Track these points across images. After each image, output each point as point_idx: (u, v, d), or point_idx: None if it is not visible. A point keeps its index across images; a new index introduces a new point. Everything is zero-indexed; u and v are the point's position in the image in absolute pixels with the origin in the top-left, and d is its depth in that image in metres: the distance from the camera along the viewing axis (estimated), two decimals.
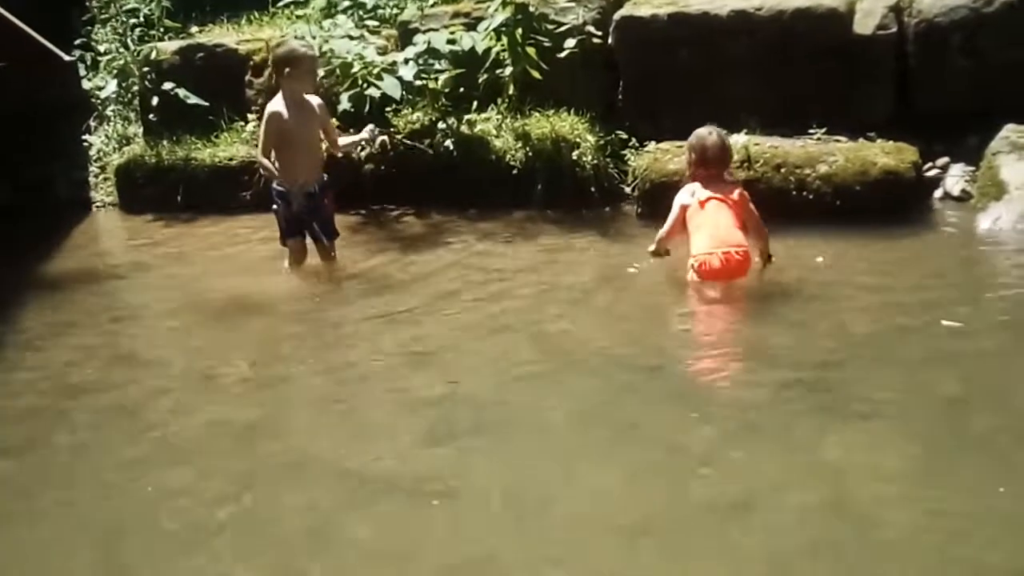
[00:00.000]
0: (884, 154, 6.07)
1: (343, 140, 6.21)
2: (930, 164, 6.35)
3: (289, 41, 6.18)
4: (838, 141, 6.27)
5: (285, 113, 5.69)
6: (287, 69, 5.73)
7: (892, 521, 3.05)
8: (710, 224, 5.17)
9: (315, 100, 5.90)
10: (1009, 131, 6.00)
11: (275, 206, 5.85)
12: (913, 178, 6.06)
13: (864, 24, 6.44)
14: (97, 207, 8.25)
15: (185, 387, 4.52)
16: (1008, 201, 5.74)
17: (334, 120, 6.45)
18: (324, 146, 6.10)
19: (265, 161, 5.78)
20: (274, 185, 5.82)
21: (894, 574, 2.86)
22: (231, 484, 3.59)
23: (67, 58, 8.65)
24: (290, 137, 5.72)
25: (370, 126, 6.28)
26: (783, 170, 6.08)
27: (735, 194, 5.24)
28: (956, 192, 6.19)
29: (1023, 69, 6.18)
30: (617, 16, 6.96)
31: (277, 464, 3.72)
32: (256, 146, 6.31)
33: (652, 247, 5.44)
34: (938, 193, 6.28)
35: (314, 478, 3.59)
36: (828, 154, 6.11)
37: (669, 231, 5.36)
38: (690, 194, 5.28)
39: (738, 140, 6.20)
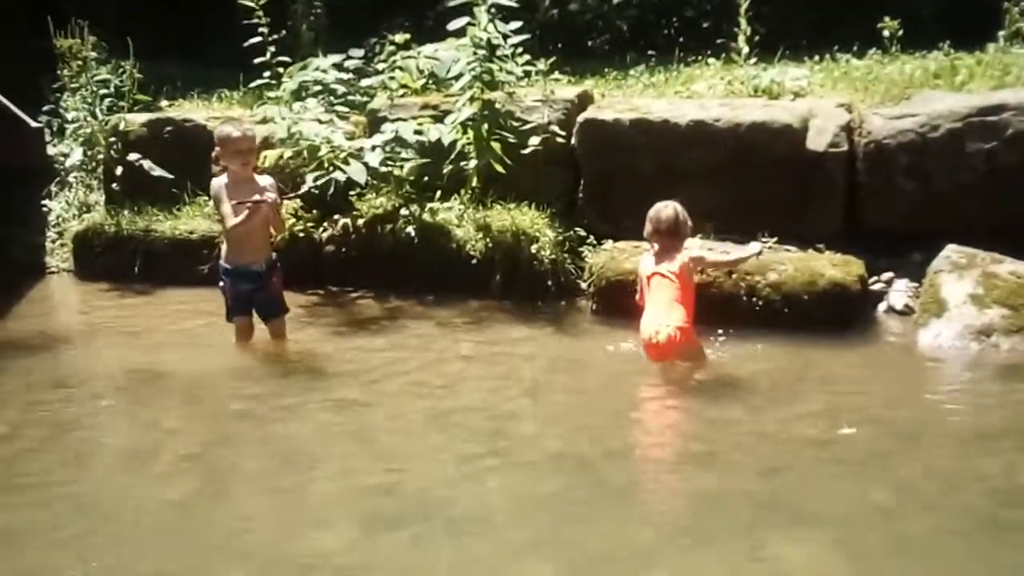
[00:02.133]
0: (832, 266, 6.25)
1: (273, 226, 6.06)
2: (875, 278, 6.54)
3: (226, 122, 6.16)
4: (788, 251, 6.46)
5: (230, 192, 5.72)
6: (217, 148, 5.83)
7: None
8: (651, 302, 5.52)
9: (265, 180, 5.93)
10: (950, 251, 6.21)
11: (221, 283, 5.90)
12: (859, 291, 6.24)
13: (817, 141, 6.67)
14: (51, 272, 8.22)
15: (119, 463, 4.48)
16: (948, 319, 5.93)
17: (293, 203, 6.52)
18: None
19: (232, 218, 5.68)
20: (221, 263, 5.89)
21: None
22: (161, 560, 3.54)
23: (35, 124, 8.70)
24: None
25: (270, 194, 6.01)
26: (734, 276, 6.24)
27: (677, 267, 5.51)
28: (899, 306, 6.37)
29: (965, 192, 6.42)
30: (581, 118, 7.16)
31: (211, 548, 3.66)
32: (217, 221, 6.36)
33: None
34: (882, 306, 6.45)
35: (251, 564, 3.55)
36: (778, 263, 6.28)
37: (640, 297, 5.67)
38: (644, 264, 5.65)
39: (693, 245, 6.37)
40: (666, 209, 5.64)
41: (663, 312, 5.45)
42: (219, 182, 5.83)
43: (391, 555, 3.57)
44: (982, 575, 3.40)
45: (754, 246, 5.86)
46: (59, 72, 8.85)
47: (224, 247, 5.96)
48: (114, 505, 4.02)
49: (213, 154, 5.92)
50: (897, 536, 3.67)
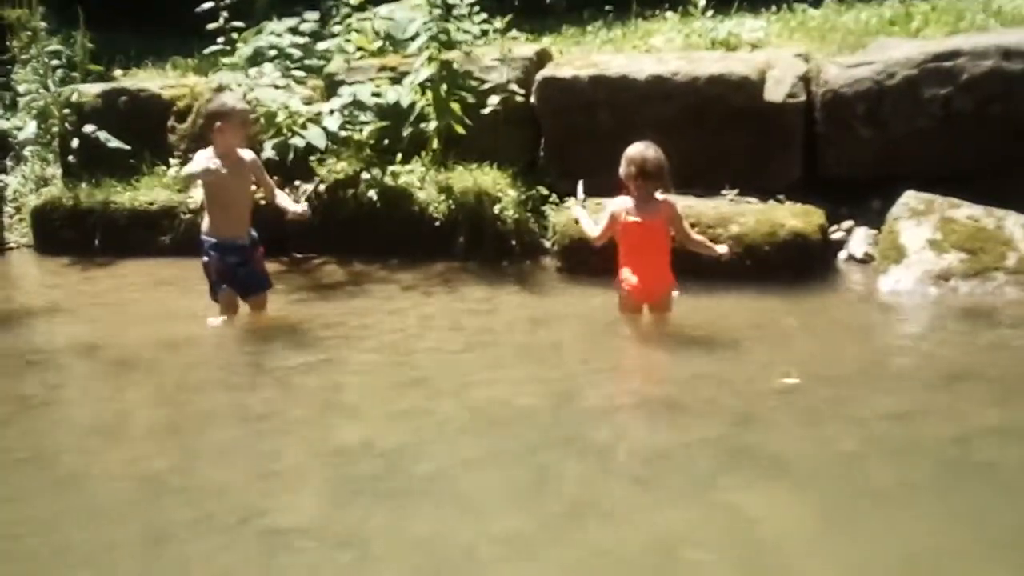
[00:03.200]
0: (792, 216, 6.31)
1: (281, 197, 6.07)
2: (836, 227, 6.61)
3: (221, 94, 6.11)
4: (749, 202, 6.51)
5: (218, 168, 5.52)
6: (218, 123, 5.65)
7: (801, 571, 3.14)
8: (641, 251, 5.43)
9: (248, 154, 5.85)
10: (909, 197, 6.28)
11: (205, 259, 5.77)
12: (819, 240, 6.31)
13: (775, 91, 6.70)
14: (10, 248, 8.14)
15: (91, 433, 4.47)
16: (907, 265, 6.01)
17: None
18: (259, 196, 6.06)
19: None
20: (204, 237, 5.76)
21: None
22: (136, 533, 3.54)
23: None
24: (222, 192, 5.65)
25: (305, 205, 6.20)
26: (696, 228, 6.25)
27: (662, 213, 5.44)
28: (859, 255, 6.45)
29: (922, 138, 6.49)
30: (539, 76, 7.15)
31: (184, 512, 3.65)
32: (178, 191, 6.31)
33: (582, 216, 5.62)
34: (843, 255, 6.53)
35: (223, 528, 3.56)
36: (739, 215, 6.33)
37: (599, 237, 5.54)
38: (624, 211, 5.44)
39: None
40: (650, 150, 5.43)
41: (657, 263, 5.44)
42: (205, 160, 5.56)
43: (364, 517, 3.59)
44: (945, 518, 3.45)
45: (722, 248, 5.65)
46: (8, 44, 8.71)
47: (206, 221, 5.80)
48: (83, 477, 4.00)
49: (209, 128, 5.70)
50: (861, 482, 3.72)
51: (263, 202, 6.11)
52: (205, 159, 5.58)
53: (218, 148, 5.65)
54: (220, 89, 7.28)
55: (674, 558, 3.25)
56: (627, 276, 5.45)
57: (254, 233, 5.86)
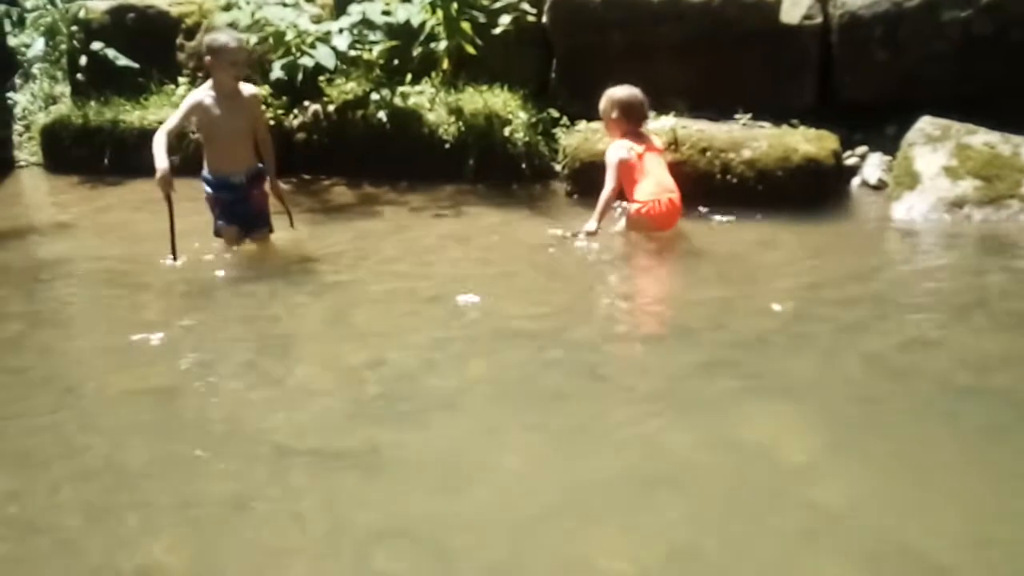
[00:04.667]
0: (806, 141, 6.24)
1: (268, 160, 5.76)
2: (849, 152, 6.54)
3: (218, 29, 5.96)
4: (762, 127, 6.44)
5: (210, 103, 5.47)
6: (208, 58, 5.54)
7: (810, 497, 3.15)
8: (652, 172, 5.63)
9: (249, 90, 5.70)
10: (925, 123, 6.20)
11: (207, 193, 5.68)
12: (833, 166, 6.24)
13: (791, 13, 6.58)
14: (20, 166, 8.13)
15: (103, 352, 4.50)
16: (921, 191, 5.96)
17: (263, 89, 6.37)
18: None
19: (160, 139, 5.38)
20: (203, 174, 5.66)
21: (810, 554, 2.94)
22: (148, 452, 3.58)
23: None
24: (212, 127, 5.54)
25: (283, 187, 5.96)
26: (708, 153, 6.23)
27: (660, 144, 5.76)
28: (873, 181, 6.39)
29: (941, 62, 6.38)
30: None
31: (197, 432, 3.70)
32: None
33: (592, 225, 5.61)
34: (856, 181, 6.47)
35: (236, 447, 3.60)
36: (752, 139, 6.27)
37: (615, 189, 5.65)
38: (627, 149, 5.62)
39: (666, 123, 6.35)
40: (637, 91, 5.73)
41: (667, 180, 5.66)
42: (197, 95, 5.54)
43: (372, 434, 3.62)
44: (948, 440, 3.48)
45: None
46: None
47: (205, 156, 5.69)
48: (94, 395, 4.05)
49: (206, 60, 5.58)
50: (867, 406, 3.74)
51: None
52: (196, 94, 5.56)
53: (215, 83, 5.53)
54: (228, 7, 7.19)
55: (686, 481, 3.28)
56: (654, 192, 5.61)
57: (260, 166, 5.72)
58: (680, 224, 5.71)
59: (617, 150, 5.68)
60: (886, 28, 6.44)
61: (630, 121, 5.71)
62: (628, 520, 3.08)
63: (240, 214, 5.68)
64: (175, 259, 5.50)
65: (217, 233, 5.71)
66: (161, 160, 5.33)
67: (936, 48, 6.39)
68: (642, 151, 5.65)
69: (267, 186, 5.78)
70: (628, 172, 5.64)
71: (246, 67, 5.71)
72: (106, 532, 3.11)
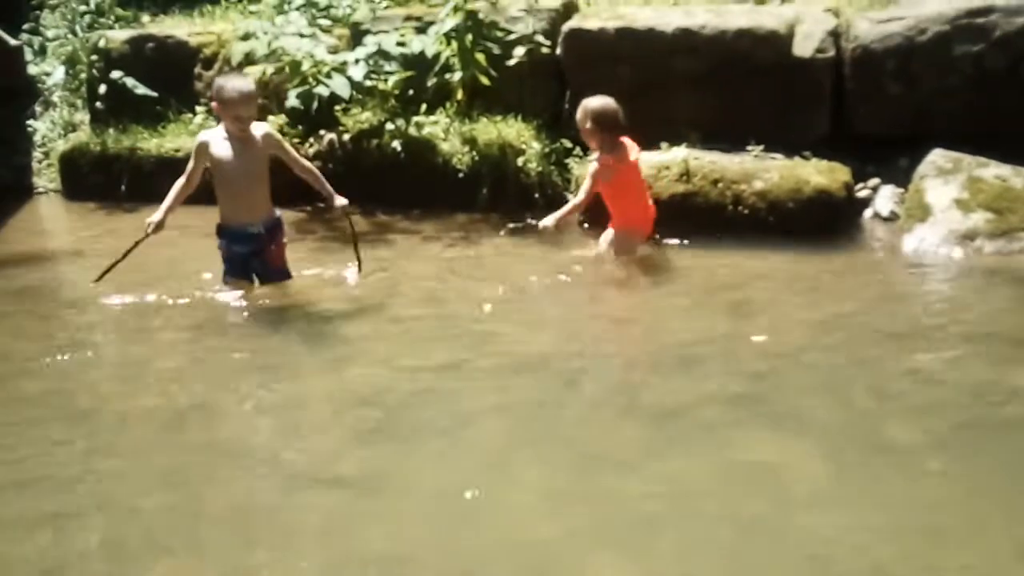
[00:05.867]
0: (818, 173, 6.25)
1: (317, 179, 5.56)
2: (862, 184, 6.54)
3: (228, 75, 5.56)
4: (774, 159, 6.45)
5: (220, 144, 5.24)
6: (213, 104, 5.30)
7: (814, 527, 3.15)
8: (639, 188, 5.87)
9: (261, 129, 5.36)
10: (936, 156, 6.21)
11: (219, 242, 5.42)
12: (844, 198, 6.25)
13: (803, 47, 6.61)
14: (39, 193, 8.21)
15: (117, 377, 4.54)
16: (932, 223, 5.95)
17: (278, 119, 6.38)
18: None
19: (173, 189, 5.34)
20: (217, 225, 5.40)
21: None
22: (158, 473, 3.61)
23: (14, 43, 8.59)
24: (228, 172, 5.26)
25: (344, 202, 5.59)
26: (720, 184, 6.24)
27: (637, 155, 5.86)
28: (885, 213, 6.39)
29: (953, 96, 6.40)
30: (565, 28, 7.09)
31: (206, 454, 3.74)
32: None
33: (549, 221, 5.87)
34: (868, 213, 6.47)
35: (244, 469, 3.63)
36: (764, 171, 6.28)
37: (584, 203, 5.84)
38: (613, 161, 5.73)
39: (678, 154, 6.38)
40: (611, 100, 5.78)
41: (646, 196, 5.97)
42: (205, 136, 5.33)
43: (377, 461, 3.63)
44: (961, 475, 3.46)
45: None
46: None
47: (219, 204, 5.37)
48: (108, 417, 4.09)
49: (213, 105, 5.33)
50: (877, 439, 3.73)
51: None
52: (204, 134, 5.36)
53: (225, 126, 5.27)
54: (245, 37, 7.27)
55: (690, 514, 3.27)
56: (630, 217, 5.81)
57: (278, 215, 5.45)
58: (691, 255, 5.72)
59: (599, 170, 5.75)
60: (899, 62, 6.46)
61: (604, 131, 5.73)
62: (635, 547, 3.07)
63: (256, 268, 5.41)
64: (98, 280, 5.45)
65: (225, 281, 5.45)
66: (160, 211, 5.33)
67: (949, 82, 6.41)
68: (627, 164, 5.75)
69: (284, 238, 5.52)
70: (612, 183, 5.75)
71: (254, 116, 5.30)
72: (105, 557, 3.12)
